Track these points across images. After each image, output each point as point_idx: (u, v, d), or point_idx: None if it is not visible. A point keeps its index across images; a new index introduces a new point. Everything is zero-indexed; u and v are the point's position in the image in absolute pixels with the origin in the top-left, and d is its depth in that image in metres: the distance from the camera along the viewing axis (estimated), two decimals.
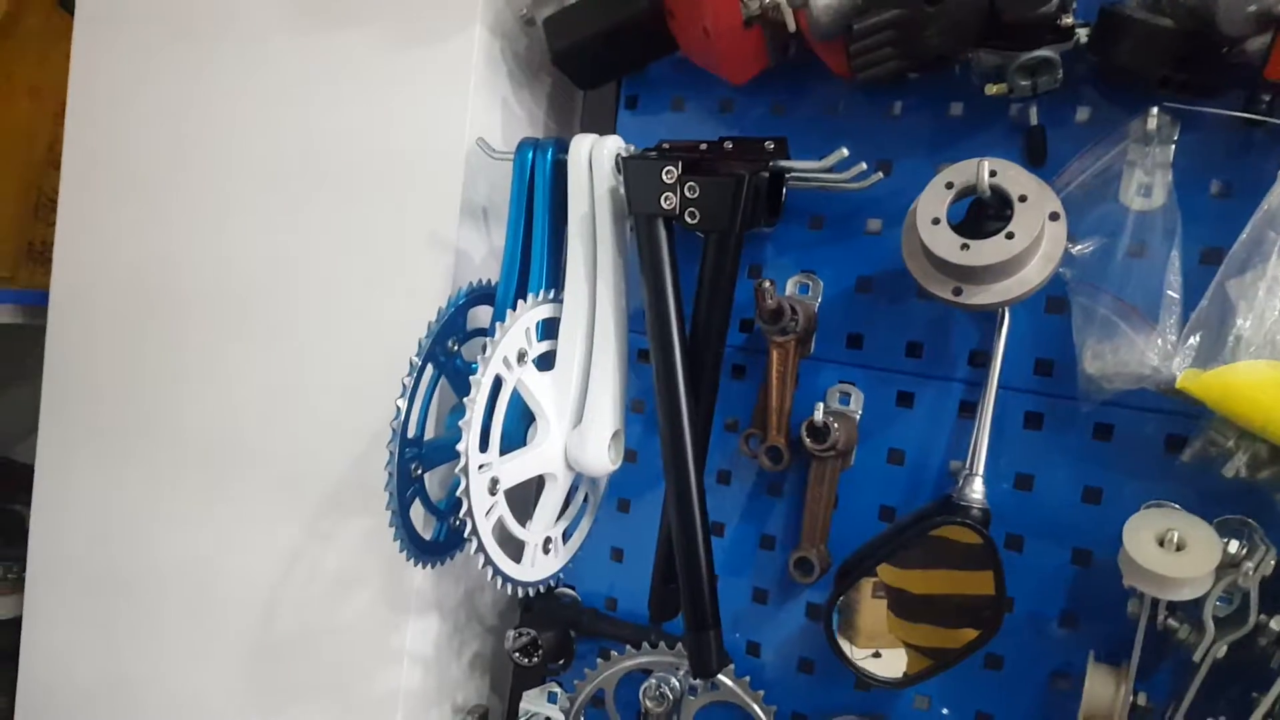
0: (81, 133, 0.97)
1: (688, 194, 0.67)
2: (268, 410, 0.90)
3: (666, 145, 0.74)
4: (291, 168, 0.87)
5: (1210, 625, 0.64)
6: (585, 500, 0.82)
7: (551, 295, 0.74)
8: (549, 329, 0.74)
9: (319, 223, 0.86)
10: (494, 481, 0.68)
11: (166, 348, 0.94)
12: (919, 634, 0.70)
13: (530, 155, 0.75)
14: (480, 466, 0.67)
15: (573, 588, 0.88)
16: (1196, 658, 0.64)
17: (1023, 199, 0.62)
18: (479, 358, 0.67)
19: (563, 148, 0.74)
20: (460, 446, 0.65)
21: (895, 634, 0.70)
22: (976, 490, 0.68)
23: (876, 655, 0.70)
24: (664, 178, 0.68)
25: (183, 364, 0.94)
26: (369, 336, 0.85)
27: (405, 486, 0.71)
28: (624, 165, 0.69)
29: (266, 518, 0.89)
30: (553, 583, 0.78)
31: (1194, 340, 0.63)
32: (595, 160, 0.71)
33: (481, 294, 0.77)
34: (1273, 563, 0.63)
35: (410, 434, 0.71)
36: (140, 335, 0.96)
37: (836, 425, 0.73)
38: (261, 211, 0.89)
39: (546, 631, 0.83)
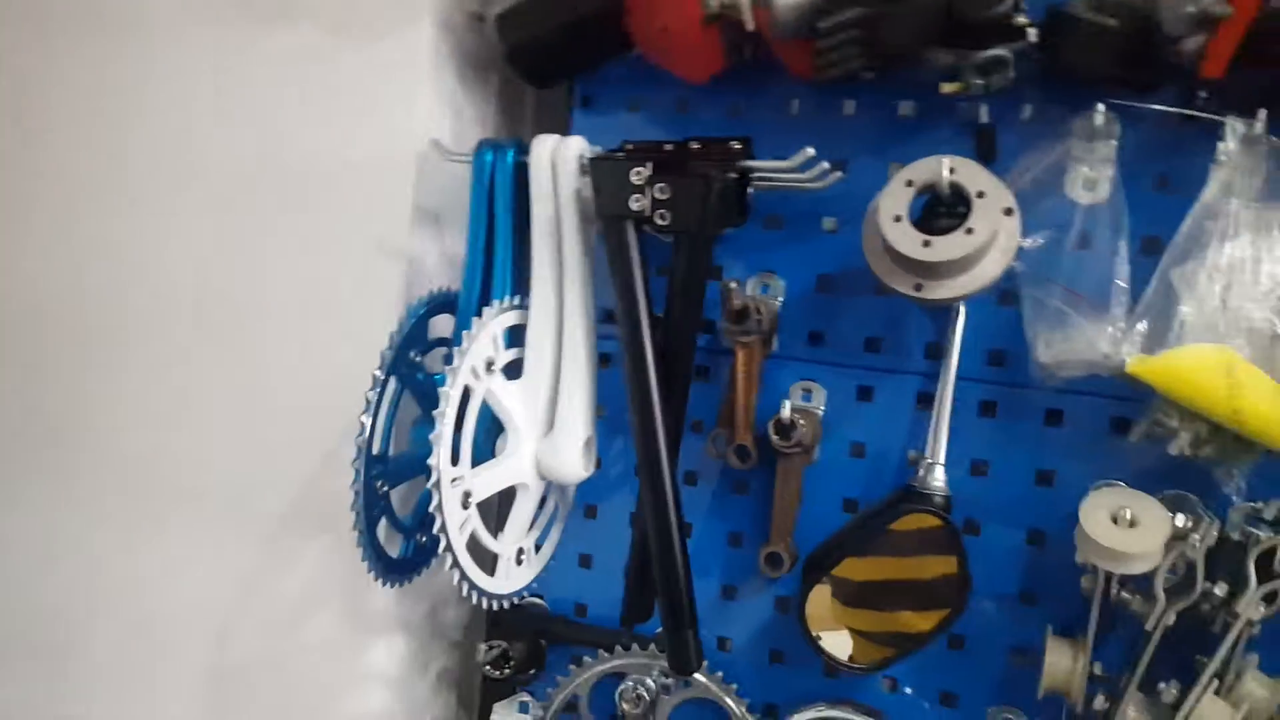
0: None
1: (658, 195, 0.66)
2: (212, 430, 0.85)
3: (630, 146, 0.72)
4: (228, 173, 0.82)
5: (1161, 595, 0.65)
6: (555, 509, 0.79)
7: (516, 302, 0.71)
8: (515, 336, 0.72)
9: (260, 232, 0.82)
10: (466, 495, 0.65)
11: (98, 367, 0.88)
12: (875, 620, 0.71)
13: (490, 157, 0.72)
14: (453, 480, 0.64)
15: (541, 597, 0.86)
16: (1149, 626, 0.65)
17: (980, 195, 0.62)
18: (446, 369, 0.64)
19: (523, 149, 0.71)
20: (431, 461, 0.62)
21: (844, 622, 0.71)
22: (938, 478, 0.69)
23: (818, 638, 0.71)
24: (633, 179, 0.66)
25: (117, 383, 0.87)
26: (317, 350, 0.81)
27: (371, 505, 0.69)
28: (592, 167, 0.67)
29: (216, 542, 0.85)
30: (525, 594, 0.76)
31: (1141, 327, 0.64)
32: (559, 162, 0.69)
33: (442, 302, 0.74)
34: (1215, 534, 0.65)
35: (375, 450, 0.68)
36: (67, 356, 0.89)
37: (802, 422, 0.72)
38: (197, 222, 0.84)
39: (517, 642, 0.80)
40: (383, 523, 0.71)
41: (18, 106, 0.88)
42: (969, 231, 0.62)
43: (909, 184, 0.64)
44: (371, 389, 0.68)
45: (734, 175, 0.68)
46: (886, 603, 0.70)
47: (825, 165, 0.68)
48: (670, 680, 0.79)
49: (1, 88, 0.89)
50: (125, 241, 0.86)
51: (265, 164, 0.81)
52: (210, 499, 0.85)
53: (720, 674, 0.78)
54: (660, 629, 0.71)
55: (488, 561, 0.71)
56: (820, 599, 0.71)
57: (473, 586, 0.67)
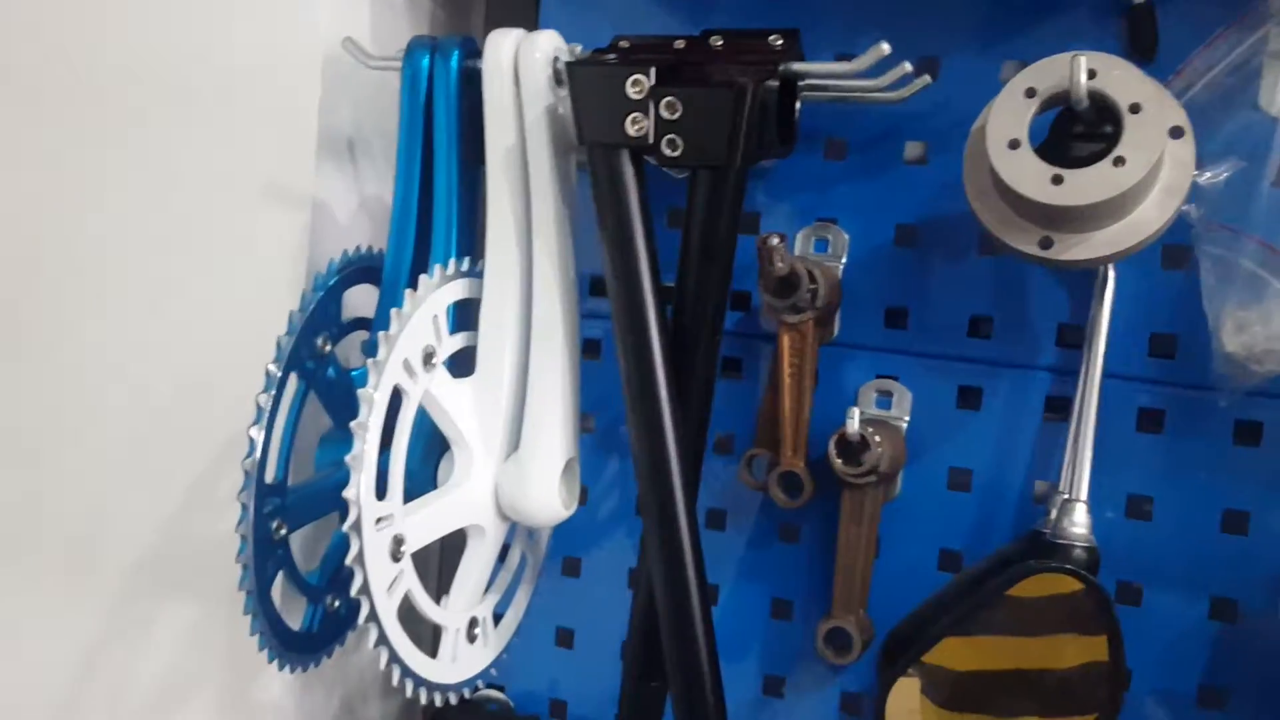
0: None
1: (665, 114, 0.66)
2: (29, 449, 0.87)
3: (625, 43, 0.72)
4: (51, 84, 0.85)
5: None
6: (522, 563, 0.80)
7: (466, 267, 0.72)
8: (464, 316, 0.73)
9: (97, 170, 0.84)
10: (397, 542, 0.66)
11: None
12: None
13: (426, 62, 0.73)
14: (379, 520, 0.64)
15: (501, 688, 0.87)
16: None
17: (1135, 109, 0.62)
18: (368, 362, 0.64)
19: (473, 50, 0.73)
20: (348, 493, 0.62)
21: None
22: (1078, 522, 0.69)
23: None
24: (630, 91, 0.66)
25: None
26: (183, 335, 0.84)
27: (265, 555, 0.69)
28: (571, 74, 0.68)
29: (45, 606, 0.87)
30: (479, 683, 0.77)
31: None
32: (524, 67, 0.70)
33: (361, 267, 0.75)
34: None
35: (269, 478, 0.69)
36: None
37: (878, 438, 0.73)
38: (20, 156, 0.86)
39: None
40: (279, 580, 0.72)
41: None
42: (1118, 162, 0.62)
43: (1030, 94, 0.64)
44: (264, 391, 0.68)
45: (775, 84, 0.68)
46: (1003, 704, 0.70)
47: (907, 67, 0.68)
48: None
49: None
50: None
51: (98, 69, 0.83)
52: (37, 548, 0.87)
53: None
54: None
55: (427, 637, 0.72)
56: (907, 697, 0.71)
57: (406, 672, 0.68)
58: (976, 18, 0.74)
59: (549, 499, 0.73)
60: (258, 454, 0.67)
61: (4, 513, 0.89)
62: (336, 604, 0.77)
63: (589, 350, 0.81)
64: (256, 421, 0.68)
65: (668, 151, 0.67)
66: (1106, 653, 0.67)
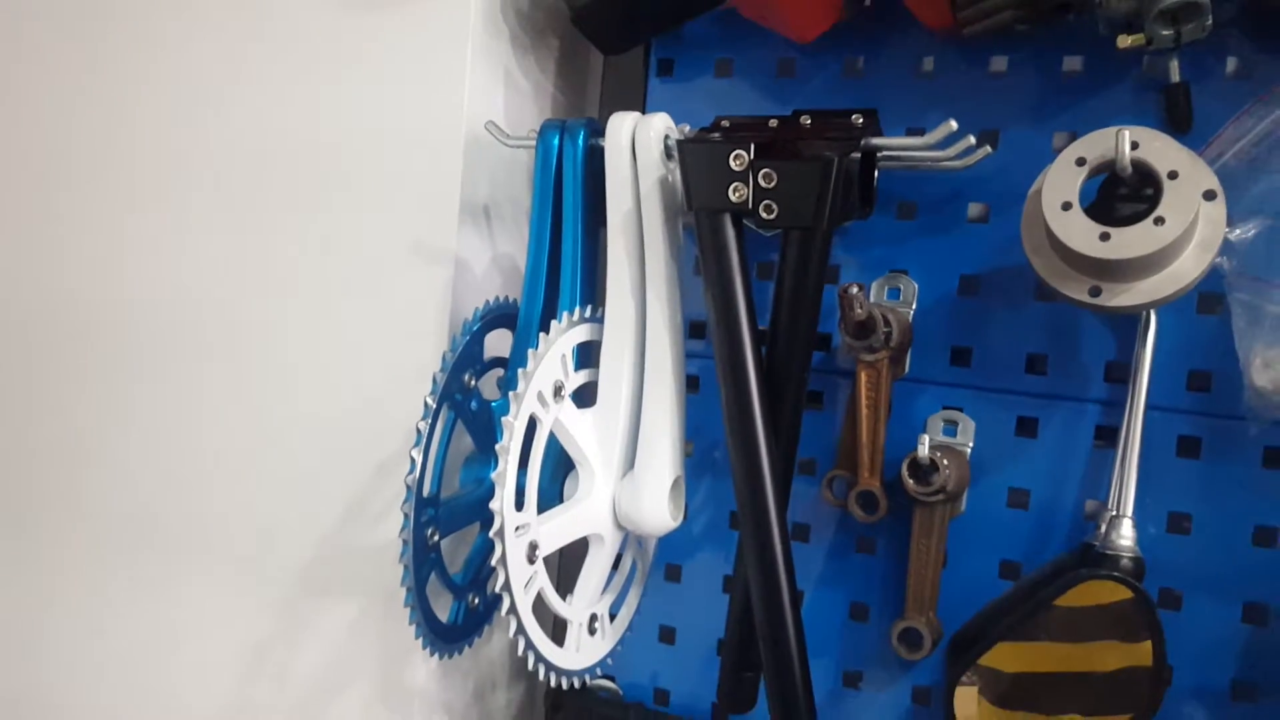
0: None
1: (762, 183, 0.69)
2: (217, 471, 0.91)
3: (726, 122, 0.76)
4: (237, 164, 0.89)
5: None
6: (633, 568, 0.83)
7: (588, 314, 0.76)
8: (587, 355, 0.76)
9: (277, 233, 0.88)
10: (533, 547, 0.69)
11: (79, 395, 0.95)
12: None
13: (556, 141, 0.77)
14: (518, 528, 0.68)
15: (612, 678, 0.90)
16: None
17: (1172, 175, 0.64)
18: (510, 395, 0.68)
19: (596, 130, 0.76)
20: (493, 504, 0.66)
21: None
22: (1125, 535, 0.70)
23: None
24: (732, 164, 0.69)
25: (103, 414, 0.95)
26: (345, 373, 0.87)
27: (422, 558, 0.72)
28: (681, 150, 0.71)
29: (220, 606, 0.91)
30: (597, 671, 0.80)
31: None
32: (640, 144, 0.73)
33: (500, 315, 0.79)
34: None
35: (425, 492, 0.72)
36: (42, 382, 0.97)
37: (945, 462, 0.75)
38: (205, 225, 0.91)
39: None
40: (431, 580, 0.75)
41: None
42: (1159, 221, 0.64)
43: (1080, 162, 0.66)
44: (423, 419, 0.71)
45: (857, 156, 0.71)
46: (1050, 703, 0.71)
47: (971, 140, 0.71)
48: None
49: None
50: (120, 248, 0.94)
51: (281, 152, 0.87)
52: (212, 555, 0.91)
53: None
54: None
55: (554, 629, 0.75)
56: (971, 697, 0.73)
57: (540, 658, 0.71)
58: (1031, 96, 0.76)
59: (659, 511, 0.75)
60: (417, 471, 0.71)
61: (189, 530, 0.93)
62: (476, 601, 0.80)
63: (689, 385, 0.82)
64: (417, 444, 0.71)
65: (764, 215, 0.69)
66: (1150, 658, 0.68)
